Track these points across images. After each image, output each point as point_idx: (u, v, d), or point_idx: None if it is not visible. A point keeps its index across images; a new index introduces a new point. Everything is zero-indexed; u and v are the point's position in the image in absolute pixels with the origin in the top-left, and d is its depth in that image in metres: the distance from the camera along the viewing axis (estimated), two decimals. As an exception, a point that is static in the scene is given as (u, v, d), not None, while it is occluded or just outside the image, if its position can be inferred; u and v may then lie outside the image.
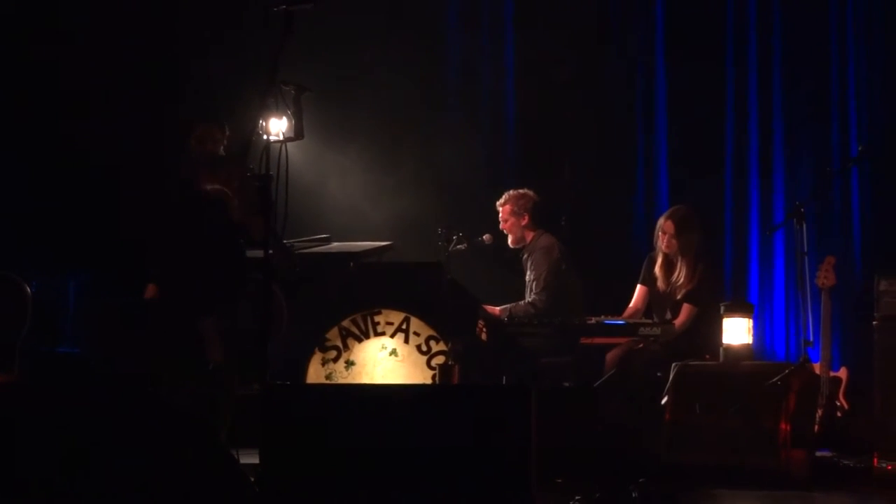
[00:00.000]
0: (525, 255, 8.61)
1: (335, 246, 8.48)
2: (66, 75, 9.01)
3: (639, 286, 8.32)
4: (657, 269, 8.19)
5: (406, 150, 9.62)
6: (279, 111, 6.21)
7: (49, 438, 4.61)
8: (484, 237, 8.46)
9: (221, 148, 7.30)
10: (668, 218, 8.16)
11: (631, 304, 8.31)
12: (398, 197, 9.43)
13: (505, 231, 8.58)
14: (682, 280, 8.07)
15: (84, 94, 8.98)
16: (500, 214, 8.60)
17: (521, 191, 8.62)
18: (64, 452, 4.59)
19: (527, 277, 8.55)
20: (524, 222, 8.58)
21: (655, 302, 8.23)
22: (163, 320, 7.03)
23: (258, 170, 5.95)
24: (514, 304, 8.41)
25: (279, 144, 6.05)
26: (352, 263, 8.17)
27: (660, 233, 8.16)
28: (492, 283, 8.85)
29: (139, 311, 7.29)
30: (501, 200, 8.59)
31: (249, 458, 5.48)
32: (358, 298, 7.92)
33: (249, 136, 6.09)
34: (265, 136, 6.15)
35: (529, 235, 8.60)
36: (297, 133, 6.18)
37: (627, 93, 9.65)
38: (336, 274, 8.16)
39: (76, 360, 8.28)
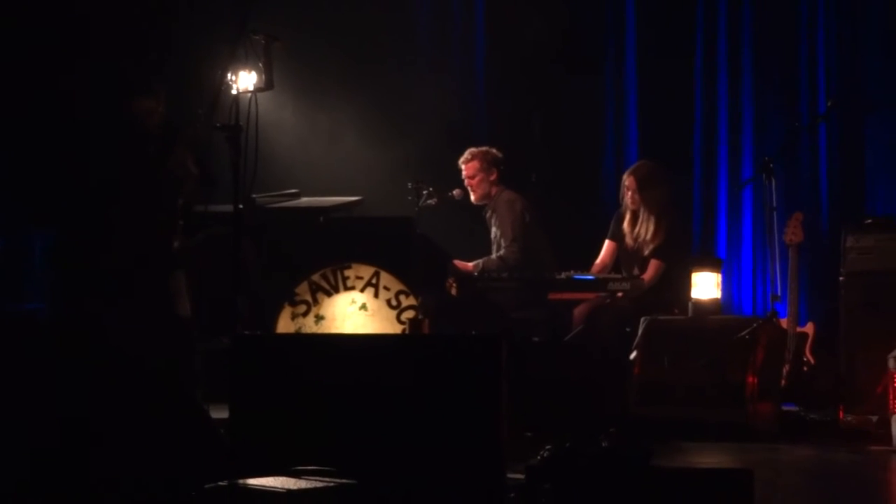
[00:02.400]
0: (489, 212, 8.65)
1: (304, 201, 8.47)
2: (28, 32, 8.82)
3: (607, 242, 8.35)
4: (625, 225, 8.22)
5: (376, 105, 9.61)
6: (249, 62, 6.16)
7: (15, 394, 4.62)
8: (454, 192, 8.48)
9: (158, 117, 7.23)
10: (630, 174, 8.18)
11: (599, 260, 8.33)
12: (368, 151, 9.45)
13: (470, 188, 8.57)
14: (649, 235, 8.10)
15: (49, 48, 8.88)
16: (465, 171, 8.59)
17: (484, 147, 8.63)
18: (30, 408, 4.59)
19: (492, 234, 8.59)
20: (493, 177, 8.60)
21: (624, 258, 8.26)
22: (131, 276, 6.99)
23: (228, 121, 5.92)
24: (484, 258, 8.44)
25: (248, 96, 6.03)
26: (321, 218, 8.15)
27: (625, 188, 8.20)
28: (462, 238, 8.90)
29: (106, 268, 7.20)
30: (466, 157, 8.59)
31: (220, 414, 5.43)
32: (327, 253, 7.96)
33: (218, 88, 6.03)
34: (234, 88, 6.14)
35: (493, 190, 8.62)
36: (267, 84, 6.14)
37: (596, 48, 9.71)
38: (305, 229, 8.16)
39: (41, 316, 8.19)
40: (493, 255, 8.46)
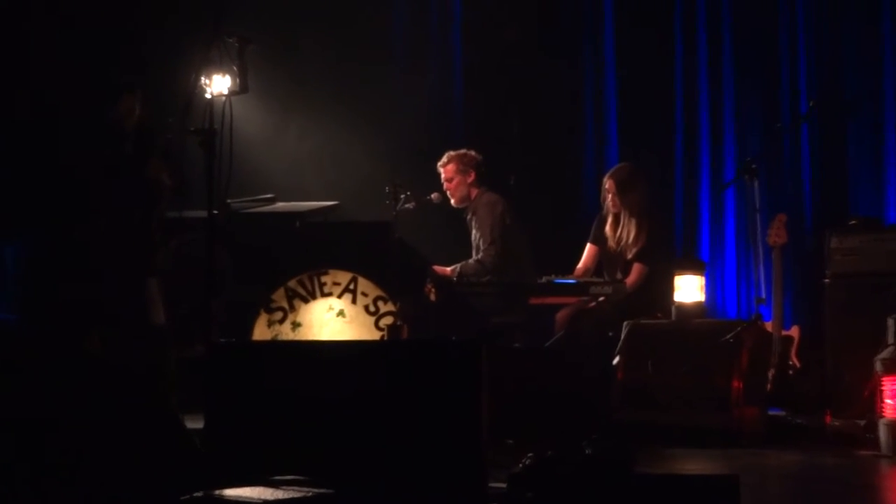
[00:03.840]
0: (469, 215, 8.61)
1: (280, 206, 8.47)
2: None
3: (589, 245, 8.34)
4: (607, 229, 8.19)
5: (352, 108, 9.60)
6: (222, 66, 6.13)
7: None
8: (432, 196, 8.46)
9: (135, 118, 7.24)
10: (610, 176, 8.17)
11: (581, 264, 8.32)
12: (344, 155, 9.44)
13: (448, 191, 8.56)
14: (631, 239, 8.08)
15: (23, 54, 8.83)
16: (443, 175, 8.57)
17: (462, 150, 8.60)
18: (3, 417, 4.53)
19: (472, 237, 8.56)
20: (470, 179, 8.56)
21: (606, 261, 8.24)
22: (105, 282, 7.00)
23: (201, 125, 5.89)
24: (463, 262, 8.40)
25: (223, 100, 6.01)
26: (298, 223, 8.18)
27: (605, 191, 8.19)
28: (441, 243, 8.89)
29: (79, 274, 7.21)
30: (443, 160, 8.57)
31: (195, 424, 5.38)
32: (304, 259, 7.96)
33: (191, 91, 6.00)
34: (208, 92, 6.11)
35: (473, 193, 8.58)
36: (242, 87, 6.10)
37: (575, 48, 9.70)
38: (282, 234, 8.16)
39: (12, 326, 8.14)
40: (472, 260, 8.42)
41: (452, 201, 8.59)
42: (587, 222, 8.49)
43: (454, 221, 8.80)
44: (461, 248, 8.66)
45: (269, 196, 8.52)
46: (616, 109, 9.59)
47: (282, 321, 7.93)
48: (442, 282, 8.00)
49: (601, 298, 7.73)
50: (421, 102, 9.69)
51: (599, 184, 8.39)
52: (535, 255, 8.47)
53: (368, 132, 9.49)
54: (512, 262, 8.34)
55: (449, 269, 8.34)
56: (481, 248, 8.44)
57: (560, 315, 8.04)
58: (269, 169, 9.35)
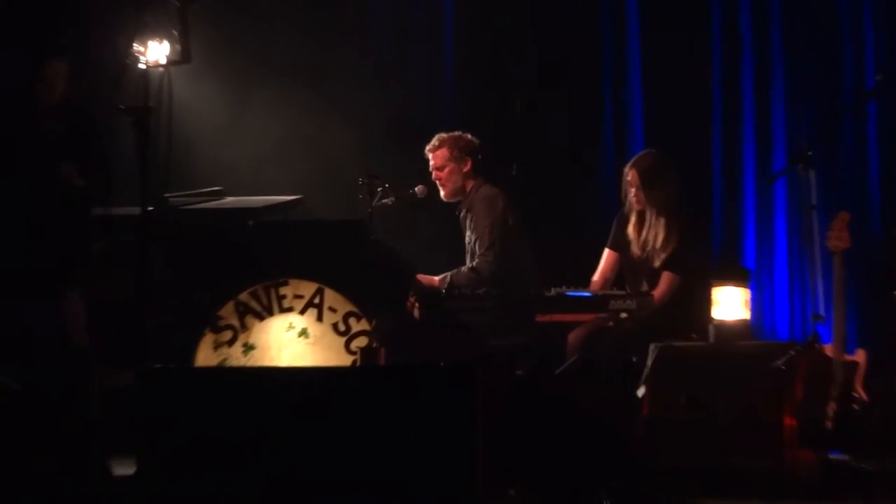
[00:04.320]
0: (463, 211, 8.64)
1: (230, 201, 8.45)
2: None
3: (607, 251, 8.34)
4: (630, 230, 8.19)
5: (320, 83, 9.66)
6: (159, 30, 6.11)
7: None
8: (416, 188, 8.49)
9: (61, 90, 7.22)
10: (633, 166, 8.18)
11: (598, 273, 8.32)
12: (309, 140, 9.49)
13: (438, 182, 8.61)
14: (659, 242, 8.08)
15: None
16: (432, 162, 8.61)
17: (456, 133, 8.63)
18: None
19: (466, 239, 8.59)
20: (466, 169, 8.60)
21: (629, 269, 8.25)
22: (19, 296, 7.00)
23: (134, 102, 5.89)
24: (454, 271, 8.40)
25: (160, 71, 6.01)
26: (251, 222, 8.13)
27: (627, 184, 8.20)
28: (427, 246, 8.93)
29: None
30: (434, 144, 8.60)
31: (124, 469, 5.42)
32: (259, 266, 7.91)
33: (122, 62, 6.00)
34: (142, 62, 6.18)
35: (468, 186, 8.63)
36: (183, 56, 6.10)
37: (592, 16, 9.69)
38: (231, 236, 8.11)
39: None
40: (465, 267, 8.43)
41: (443, 195, 8.61)
42: (605, 222, 8.50)
43: (444, 220, 8.81)
44: (452, 254, 8.67)
45: (216, 189, 8.48)
46: (640, 85, 9.60)
47: (231, 343, 7.87)
48: (428, 295, 7.97)
49: (623, 315, 7.68)
50: (405, 76, 9.74)
51: (619, 175, 8.40)
52: (542, 262, 8.46)
53: (340, 111, 9.55)
54: (515, 271, 8.34)
55: (437, 278, 8.36)
56: (477, 252, 8.42)
57: (573, 336, 8.06)
58: (218, 156, 9.39)
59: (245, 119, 9.66)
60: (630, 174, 8.15)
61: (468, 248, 8.58)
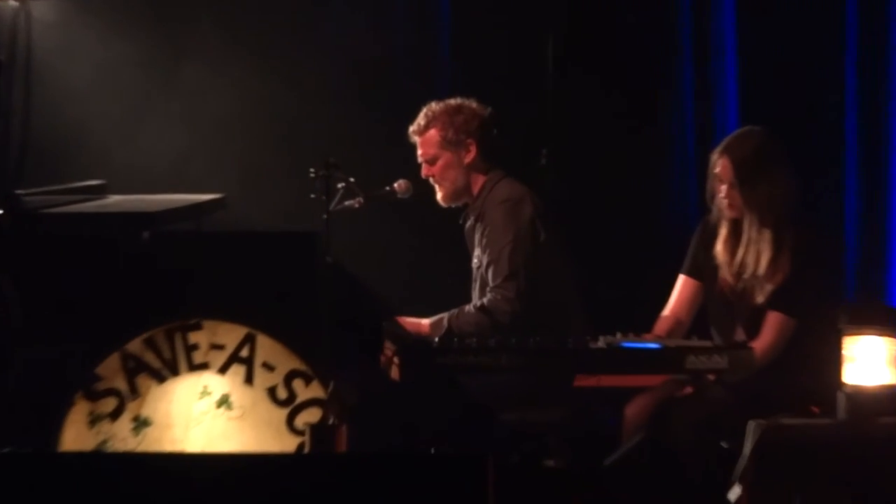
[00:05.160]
0: (470, 220, 8.59)
1: (116, 202, 8.47)
2: None
3: (683, 278, 8.18)
4: (718, 249, 7.98)
5: (250, 33, 9.88)
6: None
7: None
8: (396, 184, 8.47)
9: None
10: (723, 152, 7.98)
11: (668, 311, 8.17)
12: (234, 114, 9.70)
13: (431, 178, 8.60)
14: (762, 267, 7.84)
15: None
16: (420, 148, 8.58)
17: (455, 101, 8.58)
18: None
19: (475, 261, 8.54)
20: (468, 158, 8.49)
21: (717, 308, 8.05)
22: None
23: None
24: (453, 311, 8.29)
25: (13, 7, 5.91)
26: (146, 233, 7.98)
27: (715, 179, 8.02)
28: (412, 272, 9.18)
29: None
30: (420, 122, 8.59)
31: None
32: (157, 298, 7.82)
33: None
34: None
35: (478, 183, 8.55)
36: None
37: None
38: (117, 254, 7.94)
39: None
40: (471, 305, 8.34)
41: (440, 197, 8.59)
42: (679, 236, 8.44)
43: (438, 232, 8.97)
44: (451, 283, 8.69)
45: (95, 184, 8.58)
46: (736, 44, 9.66)
47: (115, 415, 7.74)
48: (413, 346, 7.77)
49: (709, 378, 7.62)
50: (380, 21, 9.94)
51: (700, 166, 8.46)
52: (585, 297, 8.44)
53: (279, 75, 9.78)
54: (546, 312, 8.25)
55: (426, 321, 8.32)
56: (490, 283, 8.30)
57: (632, 409, 7.87)
58: (103, 136, 9.54)
59: (145, 83, 9.85)
60: (720, 164, 7.92)
61: (475, 275, 8.53)
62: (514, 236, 8.28)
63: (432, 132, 8.48)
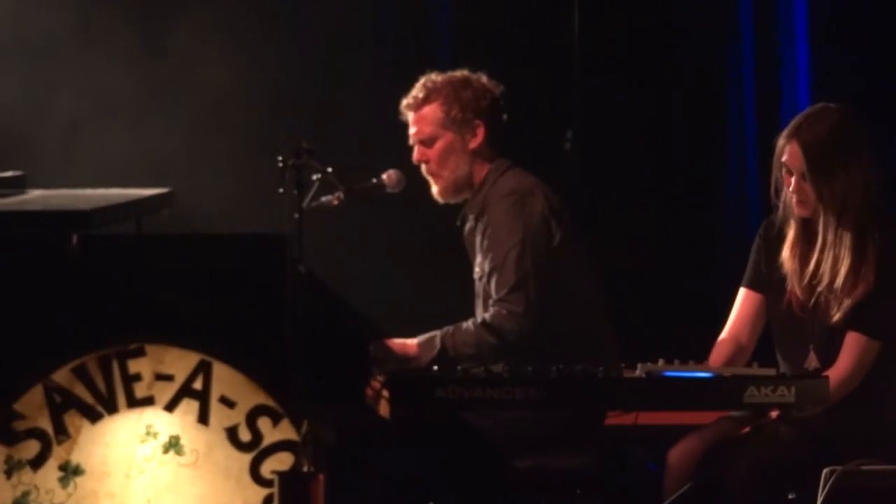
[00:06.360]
0: (471, 220, 8.35)
1: (39, 198, 8.35)
2: None
3: (744, 291, 7.73)
4: (786, 255, 7.54)
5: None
6: None
7: None
8: (384, 177, 8.29)
9: None
10: (791, 136, 7.49)
11: (726, 333, 7.70)
12: (185, 95, 9.85)
13: (425, 166, 8.30)
14: (840, 278, 7.34)
15: None
16: (415, 126, 8.31)
17: (458, 74, 8.28)
18: None
19: (475, 270, 8.25)
20: (474, 143, 8.14)
21: (783, 328, 7.60)
22: None
23: None
24: (447, 329, 8.00)
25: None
26: (75, 237, 7.42)
27: (782, 169, 7.54)
28: (402, 281, 8.91)
29: None
30: (415, 95, 8.26)
31: None
32: (90, 318, 7.25)
33: None
34: None
35: (480, 172, 8.22)
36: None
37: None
38: (39, 262, 7.39)
39: None
40: (471, 322, 8.02)
41: (436, 190, 8.33)
42: (738, 241, 8.26)
43: (434, 232, 9.00)
44: (453, 298, 8.53)
45: (12, 176, 8.44)
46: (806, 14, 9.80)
47: (38, 462, 7.16)
48: (406, 376, 7.26)
49: (772, 414, 7.26)
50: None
51: (763, 153, 8.62)
52: (619, 316, 8.22)
53: (248, 39, 9.90)
54: (564, 330, 7.95)
55: (412, 341, 8.04)
56: (493, 293, 8.01)
57: (678, 452, 7.36)
58: (22, 118, 9.66)
59: (72, 56, 10.00)
60: (788, 150, 7.41)
61: (477, 284, 8.27)
62: (521, 237, 7.94)
63: (432, 107, 8.08)
